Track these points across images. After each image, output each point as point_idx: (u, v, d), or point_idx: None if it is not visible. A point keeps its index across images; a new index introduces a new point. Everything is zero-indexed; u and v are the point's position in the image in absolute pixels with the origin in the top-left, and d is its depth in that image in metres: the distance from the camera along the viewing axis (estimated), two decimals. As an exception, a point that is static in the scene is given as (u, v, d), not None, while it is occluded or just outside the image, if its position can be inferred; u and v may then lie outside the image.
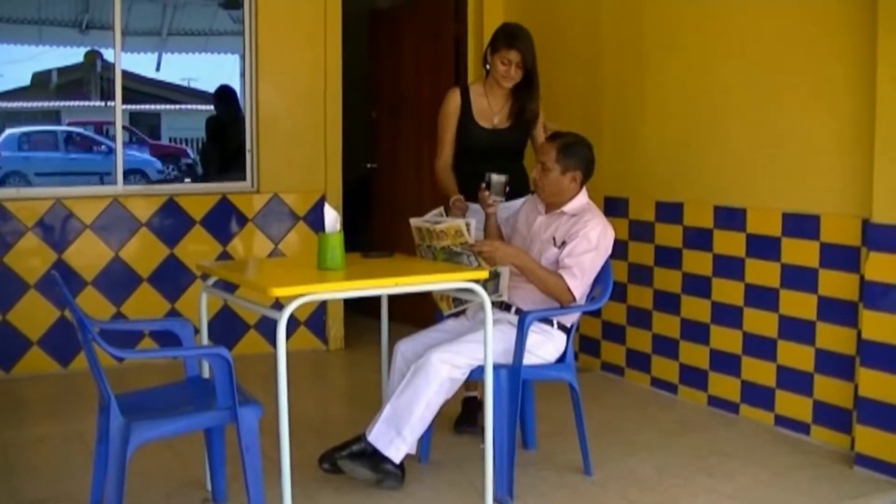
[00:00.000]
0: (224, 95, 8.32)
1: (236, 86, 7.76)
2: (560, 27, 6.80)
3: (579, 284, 4.36)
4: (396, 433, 4.17)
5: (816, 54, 4.95)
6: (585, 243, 4.37)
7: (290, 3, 6.96)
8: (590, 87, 6.49)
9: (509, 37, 4.98)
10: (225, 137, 8.02)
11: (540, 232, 4.55)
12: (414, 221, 4.50)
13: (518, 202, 4.89)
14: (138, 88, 9.03)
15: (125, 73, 6.90)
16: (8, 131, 10.36)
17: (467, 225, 4.27)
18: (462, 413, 5.21)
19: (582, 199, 4.54)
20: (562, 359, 4.49)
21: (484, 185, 4.66)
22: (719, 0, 5.49)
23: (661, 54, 5.93)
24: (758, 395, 5.31)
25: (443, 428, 4.96)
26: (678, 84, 5.80)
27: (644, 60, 6.06)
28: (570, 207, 4.51)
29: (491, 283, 4.41)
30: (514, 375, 4.21)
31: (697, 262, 5.66)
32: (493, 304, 4.25)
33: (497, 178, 4.65)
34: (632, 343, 6.21)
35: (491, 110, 5.08)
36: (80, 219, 6.50)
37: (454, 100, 5.11)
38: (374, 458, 4.22)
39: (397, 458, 4.20)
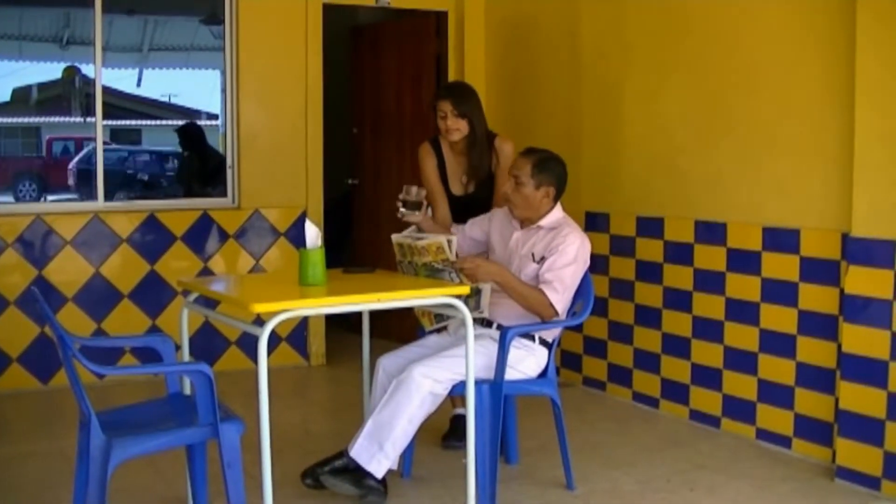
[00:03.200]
0: (188, 133, 8.46)
1: (217, 101, 7.74)
2: (541, 43, 6.83)
3: (561, 299, 4.37)
4: (378, 448, 4.16)
5: (797, 72, 4.98)
6: (565, 258, 4.38)
7: (271, 19, 6.97)
8: (570, 102, 6.52)
9: (440, 89, 5.18)
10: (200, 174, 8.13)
11: (518, 248, 4.56)
12: (395, 237, 4.50)
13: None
14: (119, 104, 8.99)
15: (106, 89, 6.89)
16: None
17: (448, 242, 4.27)
18: (450, 429, 5.20)
19: (557, 213, 4.56)
20: (543, 374, 4.49)
21: (402, 198, 4.67)
22: (700, 18, 5.53)
23: (642, 69, 5.96)
24: (739, 409, 5.33)
25: (425, 443, 4.95)
26: (659, 99, 5.83)
27: (625, 76, 6.08)
28: (546, 222, 4.53)
29: (472, 300, 4.41)
30: (496, 390, 4.21)
31: (678, 277, 5.68)
32: (475, 319, 4.25)
33: (418, 192, 4.66)
34: (613, 358, 6.22)
35: (459, 168, 5.11)
36: (60, 235, 6.48)
37: (431, 160, 5.13)
38: (356, 473, 4.20)
39: (379, 474, 4.19)
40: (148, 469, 4.69)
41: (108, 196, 6.84)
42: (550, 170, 4.50)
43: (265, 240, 7.04)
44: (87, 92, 7.45)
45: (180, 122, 9.14)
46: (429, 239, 4.32)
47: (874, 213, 4.48)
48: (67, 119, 9.58)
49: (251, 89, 6.97)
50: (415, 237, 4.40)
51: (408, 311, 4.66)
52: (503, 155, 5.02)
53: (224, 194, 7.07)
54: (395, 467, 4.31)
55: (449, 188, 5.10)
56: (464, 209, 5.03)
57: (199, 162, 8.25)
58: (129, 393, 5.73)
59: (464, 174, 5.09)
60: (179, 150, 8.84)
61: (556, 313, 4.38)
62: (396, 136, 7.72)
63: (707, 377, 5.51)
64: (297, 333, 7.10)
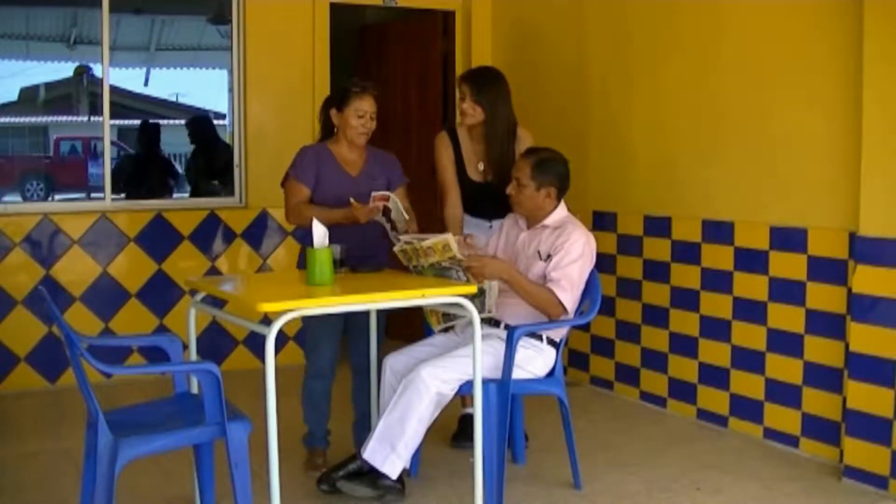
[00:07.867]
0: (198, 124, 8.44)
1: (224, 101, 7.76)
2: (548, 42, 6.82)
3: (569, 297, 4.37)
4: (391, 449, 4.16)
5: (805, 71, 4.97)
6: (571, 255, 4.38)
7: (279, 18, 6.97)
8: (577, 100, 6.51)
9: (464, 74, 5.12)
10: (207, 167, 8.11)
11: (524, 248, 4.56)
12: (397, 247, 4.42)
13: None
14: (126, 103, 9.02)
15: (113, 89, 6.89)
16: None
17: (454, 238, 4.23)
18: (459, 429, 5.21)
19: (561, 211, 4.56)
20: (551, 373, 4.49)
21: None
22: (708, 15, 5.52)
23: (649, 68, 5.95)
24: (746, 409, 5.32)
25: (432, 442, 4.95)
26: (666, 98, 5.82)
27: (631, 75, 6.08)
28: (551, 220, 4.53)
29: (477, 301, 4.38)
30: (504, 390, 4.21)
31: (686, 276, 5.67)
32: (482, 319, 4.24)
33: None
34: (620, 357, 6.21)
35: (476, 156, 5.10)
36: (67, 234, 6.49)
37: (447, 148, 5.13)
38: (371, 475, 4.22)
39: (394, 474, 4.20)
40: (155, 469, 4.69)
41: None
42: (550, 170, 4.50)
43: (273, 239, 7.04)
44: (94, 91, 7.47)
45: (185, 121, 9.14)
46: (433, 239, 4.25)
47: (882, 212, 4.46)
48: (75, 118, 9.61)
49: (258, 88, 6.96)
50: (418, 238, 4.36)
51: (414, 310, 4.66)
52: (521, 144, 5.02)
53: (231, 193, 7.08)
54: (407, 466, 4.32)
55: (467, 174, 5.10)
56: (481, 196, 5.02)
57: (206, 159, 8.23)
58: (136, 392, 5.73)
59: (480, 161, 5.09)
60: (188, 146, 8.84)
61: (566, 311, 4.38)
62: (403, 136, 7.70)
63: (714, 376, 5.50)
64: (305, 333, 7.08)
